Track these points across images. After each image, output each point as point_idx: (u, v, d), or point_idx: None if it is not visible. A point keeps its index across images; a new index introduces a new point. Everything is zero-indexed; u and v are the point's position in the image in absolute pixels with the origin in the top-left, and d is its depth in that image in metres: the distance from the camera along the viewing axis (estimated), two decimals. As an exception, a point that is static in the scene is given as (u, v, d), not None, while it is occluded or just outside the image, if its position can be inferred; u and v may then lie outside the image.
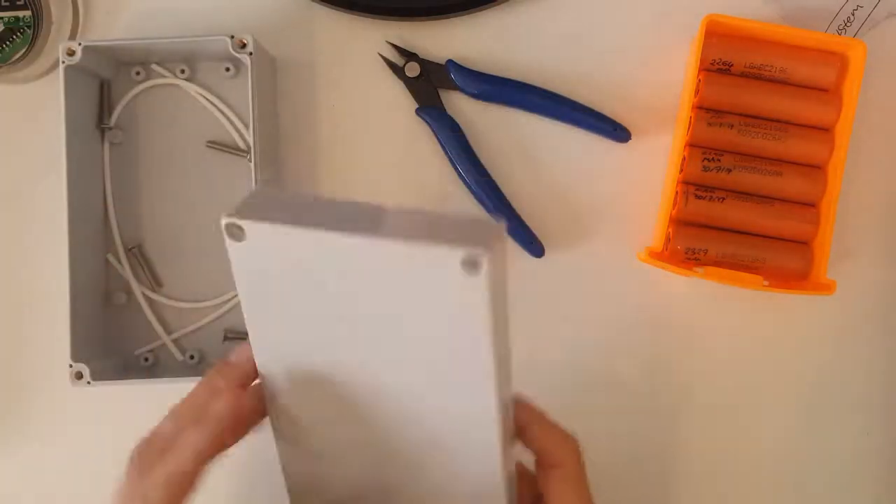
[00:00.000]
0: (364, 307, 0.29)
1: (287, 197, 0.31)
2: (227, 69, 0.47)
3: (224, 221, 0.28)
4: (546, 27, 0.48)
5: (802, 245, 0.46)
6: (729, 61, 0.45)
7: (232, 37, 0.43)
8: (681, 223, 0.46)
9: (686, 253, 0.45)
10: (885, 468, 0.48)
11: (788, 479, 0.48)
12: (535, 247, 0.47)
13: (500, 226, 0.27)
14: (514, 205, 0.47)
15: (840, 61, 0.45)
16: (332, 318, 0.30)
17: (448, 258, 0.26)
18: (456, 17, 0.48)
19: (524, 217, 0.47)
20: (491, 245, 0.26)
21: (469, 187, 0.47)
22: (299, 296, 0.30)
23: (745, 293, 0.46)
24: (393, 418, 0.32)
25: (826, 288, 0.44)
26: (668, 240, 0.45)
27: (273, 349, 0.32)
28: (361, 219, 0.28)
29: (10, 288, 0.49)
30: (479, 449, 0.31)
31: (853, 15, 0.47)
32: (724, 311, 0.48)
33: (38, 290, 0.48)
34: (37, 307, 0.48)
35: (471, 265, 0.26)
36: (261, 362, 0.33)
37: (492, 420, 0.30)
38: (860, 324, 0.48)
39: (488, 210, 0.47)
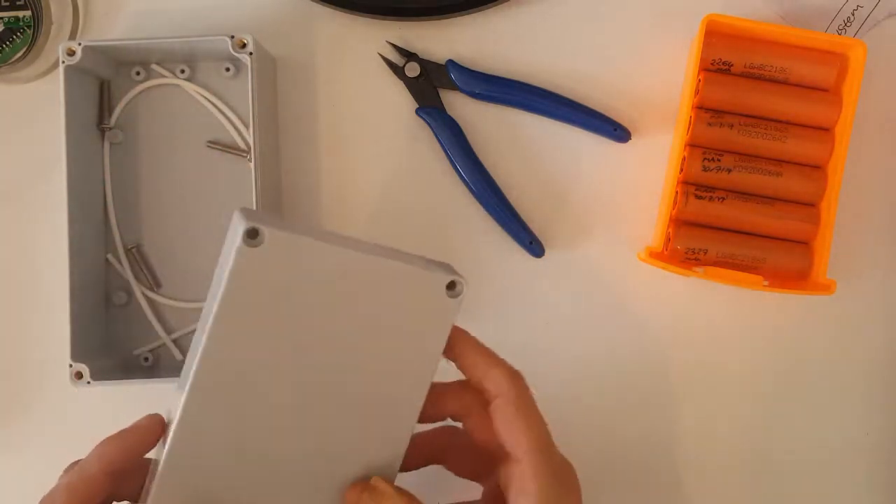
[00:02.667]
0: (343, 319, 0.34)
1: (287, 220, 0.35)
2: (227, 69, 0.47)
3: (245, 226, 0.31)
4: (546, 27, 0.48)
5: (802, 245, 0.46)
6: (729, 61, 0.45)
7: (232, 37, 0.43)
8: (681, 223, 0.46)
9: (686, 253, 0.45)
10: (885, 468, 0.48)
11: (788, 478, 0.48)
12: (535, 247, 0.47)
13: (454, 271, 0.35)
14: (514, 205, 0.47)
15: (840, 61, 0.45)
16: (306, 330, 0.33)
17: (438, 281, 0.34)
18: (456, 17, 0.48)
19: (524, 217, 0.47)
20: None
21: (469, 187, 0.47)
22: (287, 308, 0.33)
23: (745, 293, 0.46)
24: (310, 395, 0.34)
25: (826, 288, 0.44)
26: (668, 240, 0.45)
27: (225, 356, 0.33)
28: (357, 244, 0.34)
29: (11, 288, 0.49)
30: (392, 428, 0.35)
31: (853, 15, 0.47)
32: (724, 311, 0.48)
33: (38, 290, 0.48)
34: (37, 307, 0.48)
35: (453, 289, 0.34)
36: (204, 365, 0.33)
37: (417, 401, 0.35)
38: (860, 324, 0.48)
39: (488, 210, 0.47)
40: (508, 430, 0.34)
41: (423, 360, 0.35)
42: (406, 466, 0.36)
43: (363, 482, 0.35)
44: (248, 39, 0.43)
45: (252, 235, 0.31)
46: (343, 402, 0.34)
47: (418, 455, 0.37)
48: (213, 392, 0.33)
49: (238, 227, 0.31)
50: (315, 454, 0.35)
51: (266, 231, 0.31)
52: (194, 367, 0.33)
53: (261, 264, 0.32)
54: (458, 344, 0.35)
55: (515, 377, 0.35)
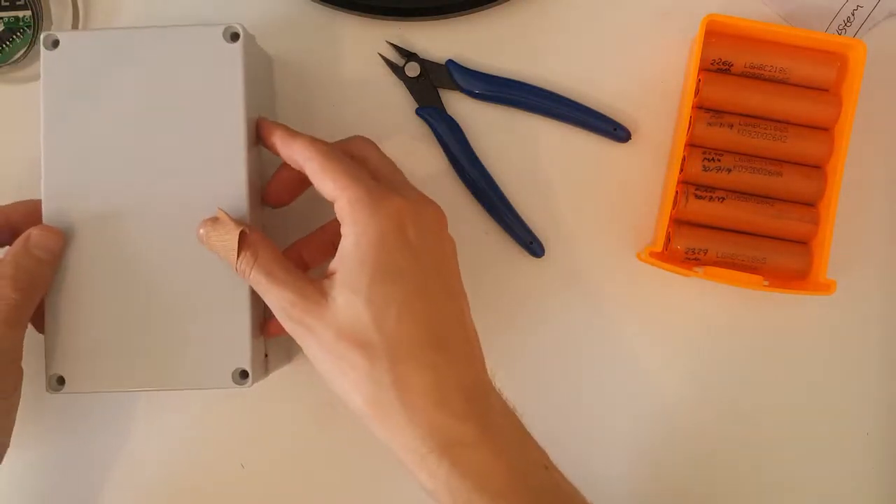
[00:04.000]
0: (151, 92, 0.40)
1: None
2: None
3: (42, 35, 0.40)
4: (546, 27, 0.48)
5: (802, 245, 0.46)
6: (729, 61, 0.45)
7: (224, 26, 0.42)
8: (681, 223, 0.46)
9: (686, 253, 0.45)
10: (885, 468, 0.48)
11: (788, 478, 0.48)
12: (535, 247, 0.47)
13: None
14: (514, 205, 0.47)
15: (840, 61, 0.45)
16: (116, 119, 0.40)
17: (215, 32, 0.40)
18: (456, 17, 0.48)
19: (524, 217, 0.48)
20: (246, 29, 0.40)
21: (469, 187, 0.47)
22: (97, 99, 0.39)
23: (745, 293, 0.46)
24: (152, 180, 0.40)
25: (826, 288, 0.44)
26: (668, 240, 0.45)
27: (64, 166, 0.40)
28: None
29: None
30: (229, 179, 0.40)
31: (853, 15, 0.47)
32: (724, 311, 0.48)
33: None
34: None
35: (231, 35, 0.40)
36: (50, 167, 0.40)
37: (241, 148, 0.40)
38: (860, 324, 0.48)
39: (488, 210, 0.47)
40: (321, 183, 0.38)
41: (232, 111, 0.39)
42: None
43: (211, 218, 0.39)
44: (239, 28, 0.42)
45: (47, 42, 0.40)
46: (178, 165, 0.40)
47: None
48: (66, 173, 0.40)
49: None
50: (169, 215, 0.40)
51: (60, 36, 0.40)
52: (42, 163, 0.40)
53: (64, 63, 0.40)
54: (263, 131, 0.41)
55: (314, 142, 0.39)
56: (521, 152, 0.48)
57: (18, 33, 0.46)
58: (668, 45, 0.48)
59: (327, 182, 0.38)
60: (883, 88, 0.48)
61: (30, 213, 0.41)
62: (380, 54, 0.48)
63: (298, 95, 0.48)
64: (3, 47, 0.46)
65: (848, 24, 0.47)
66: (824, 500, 0.48)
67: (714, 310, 0.48)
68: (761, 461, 0.48)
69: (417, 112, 0.48)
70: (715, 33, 0.45)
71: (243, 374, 0.39)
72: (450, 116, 0.47)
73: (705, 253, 0.45)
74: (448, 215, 0.48)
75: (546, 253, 0.48)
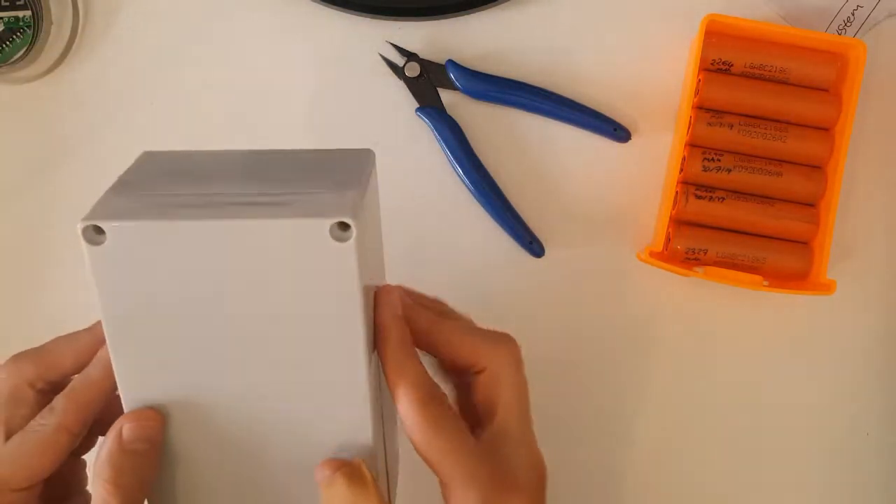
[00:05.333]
0: (230, 293, 0.29)
1: (148, 182, 0.30)
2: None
3: (80, 226, 0.27)
4: (546, 27, 0.48)
5: (802, 245, 0.46)
6: (729, 61, 0.45)
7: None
8: (681, 223, 0.46)
9: (686, 253, 0.45)
10: (885, 468, 0.48)
11: (788, 478, 0.48)
12: (535, 247, 0.47)
13: (368, 157, 0.31)
14: (515, 205, 0.47)
15: (840, 61, 0.45)
16: (201, 319, 0.29)
17: (317, 228, 0.27)
18: (456, 17, 0.48)
19: (524, 217, 0.48)
20: (357, 202, 0.28)
21: (469, 187, 0.47)
22: (168, 300, 0.29)
23: (745, 293, 0.46)
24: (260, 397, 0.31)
25: (826, 288, 0.44)
26: (668, 240, 0.45)
27: (142, 375, 0.30)
28: (232, 183, 0.29)
29: (10, 289, 0.49)
30: (347, 401, 0.31)
31: (853, 15, 0.47)
32: (724, 311, 0.48)
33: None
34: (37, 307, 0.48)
35: (340, 230, 0.27)
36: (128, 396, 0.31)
37: (360, 363, 0.31)
38: (860, 324, 0.48)
39: (488, 210, 0.47)
40: (424, 459, 0.32)
41: (346, 323, 0.29)
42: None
43: (340, 462, 0.31)
44: (350, 220, 0.31)
45: (89, 235, 0.28)
46: (284, 381, 0.31)
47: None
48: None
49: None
50: (274, 437, 0.32)
51: (104, 225, 0.28)
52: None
53: (116, 262, 0.28)
54: (377, 341, 0.32)
55: (422, 405, 0.32)
56: (521, 152, 0.48)
57: (18, 33, 0.46)
58: (668, 45, 0.48)
59: (433, 462, 0.32)
60: (883, 88, 0.47)
61: (78, 353, 0.34)
62: (380, 54, 0.48)
63: (298, 95, 0.48)
64: (3, 47, 0.46)
65: (848, 24, 0.47)
66: (824, 500, 0.48)
67: (714, 310, 0.48)
68: (761, 461, 0.48)
69: (417, 112, 0.48)
70: (715, 33, 0.45)
71: None
72: (450, 116, 0.47)
73: (705, 253, 0.45)
74: (448, 215, 0.48)
75: (546, 253, 0.48)
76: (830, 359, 0.48)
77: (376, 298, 0.33)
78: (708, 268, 0.45)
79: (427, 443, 0.31)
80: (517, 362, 0.34)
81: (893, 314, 0.48)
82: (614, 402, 0.48)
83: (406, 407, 0.32)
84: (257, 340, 0.30)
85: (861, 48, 0.44)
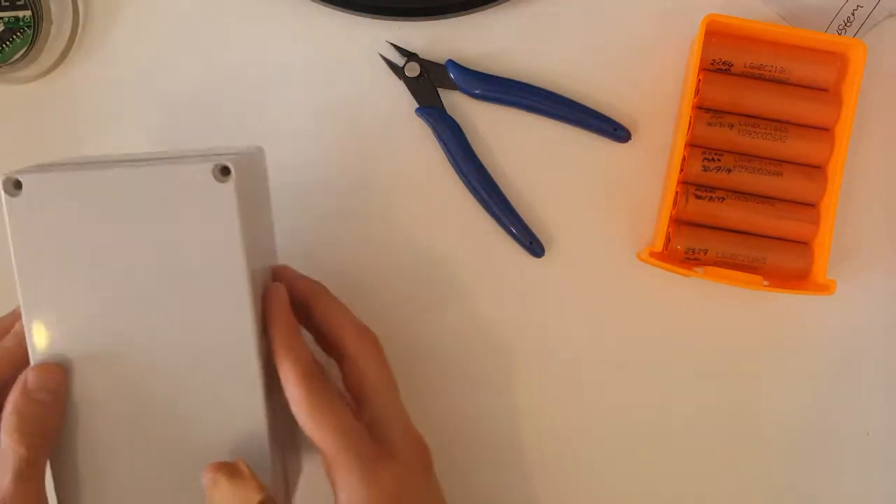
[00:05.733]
0: (130, 244, 0.34)
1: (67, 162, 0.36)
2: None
3: (2, 177, 0.33)
4: (546, 27, 0.48)
5: (802, 245, 0.46)
6: (729, 61, 0.45)
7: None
8: (681, 223, 0.46)
9: (686, 253, 0.45)
10: (885, 468, 0.48)
11: (788, 479, 0.48)
12: (535, 247, 0.47)
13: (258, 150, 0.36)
14: (514, 205, 0.47)
15: (840, 61, 0.45)
16: (102, 264, 0.34)
17: (203, 171, 0.33)
18: (456, 17, 0.48)
19: (524, 217, 0.47)
20: (238, 160, 0.33)
21: (469, 187, 0.47)
22: (74, 253, 0.34)
23: (745, 293, 0.46)
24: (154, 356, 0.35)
25: (826, 288, 0.44)
26: (668, 240, 0.45)
27: (49, 329, 0.34)
28: (126, 161, 0.34)
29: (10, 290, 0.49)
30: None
31: (853, 15, 0.47)
32: (724, 311, 0.48)
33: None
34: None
35: (226, 174, 0.33)
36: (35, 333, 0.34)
37: (248, 317, 0.34)
38: (860, 324, 0.48)
39: (489, 210, 0.47)
40: (307, 432, 0.35)
41: (232, 266, 0.33)
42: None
43: (222, 464, 0.33)
44: (230, 163, 0.35)
45: (8, 186, 0.33)
46: (181, 338, 0.34)
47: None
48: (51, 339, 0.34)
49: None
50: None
51: (22, 178, 0.33)
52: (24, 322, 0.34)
53: (31, 210, 0.33)
54: (267, 320, 0.36)
55: (303, 376, 0.35)
56: (520, 152, 0.48)
57: (18, 33, 0.46)
58: (668, 45, 0.48)
59: (314, 437, 0.34)
60: (883, 88, 0.48)
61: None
62: (380, 54, 0.48)
63: (298, 95, 0.48)
64: (3, 47, 0.46)
65: (848, 24, 0.47)
66: (824, 500, 0.48)
67: (714, 310, 0.48)
68: (761, 461, 0.48)
69: (417, 112, 0.48)
70: (715, 33, 0.45)
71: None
72: (450, 116, 0.47)
73: (705, 253, 0.45)
74: (448, 215, 0.48)
75: (546, 253, 0.48)
76: (830, 359, 0.48)
77: (265, 290, 0.36)
78: (708, 268, 0.45)
79: (309, 416, 0.34)
80: (378, 353, 0.38)
81: (893, 314, 0.48)
82: (614, 401, 0.48)
83: (289, 381, 0.34)
84: (154, 295, 0.34)
85: (861, 48, 0.44)
